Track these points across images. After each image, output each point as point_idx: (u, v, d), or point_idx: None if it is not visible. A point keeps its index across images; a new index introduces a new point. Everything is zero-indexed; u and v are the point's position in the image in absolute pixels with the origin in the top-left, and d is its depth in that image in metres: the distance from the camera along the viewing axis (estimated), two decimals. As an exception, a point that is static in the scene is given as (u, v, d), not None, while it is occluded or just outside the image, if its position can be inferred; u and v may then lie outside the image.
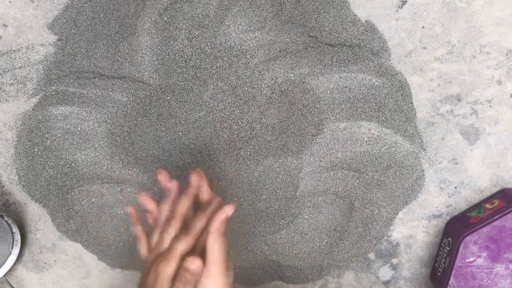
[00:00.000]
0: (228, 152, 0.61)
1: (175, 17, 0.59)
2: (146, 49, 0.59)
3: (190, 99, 0.61)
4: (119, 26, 0.59)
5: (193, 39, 0.59)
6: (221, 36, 0.59)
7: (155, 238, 0.50)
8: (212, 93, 0.60)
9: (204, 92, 0.60)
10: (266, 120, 0.61)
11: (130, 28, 0.59)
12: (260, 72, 0.60)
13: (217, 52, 0.59)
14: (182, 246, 0.47)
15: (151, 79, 0.60)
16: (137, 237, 0.52)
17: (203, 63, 0.60)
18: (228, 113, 0.61)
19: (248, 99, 0.60)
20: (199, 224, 0.49)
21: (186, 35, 0.59)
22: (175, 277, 0.46)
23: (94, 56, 0.60)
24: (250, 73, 0.60)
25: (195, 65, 0.60)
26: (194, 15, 0.58)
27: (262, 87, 0.60)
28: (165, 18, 0.59)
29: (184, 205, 0.50)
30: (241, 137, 0.61)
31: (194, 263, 0.46)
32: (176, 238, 0.48)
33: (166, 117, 0.61)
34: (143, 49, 0.59)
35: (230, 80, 0.60)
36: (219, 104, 0.61)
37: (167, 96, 0.61)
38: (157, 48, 0.60)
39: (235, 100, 0.61)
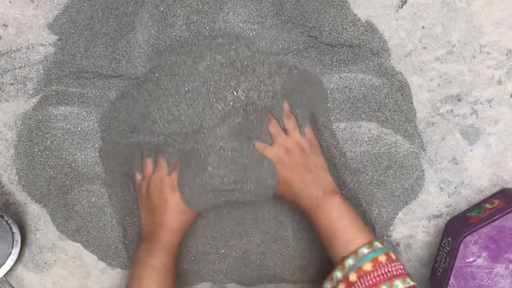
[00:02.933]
0: (222, 124, 0.59)
1: (172, 5, 0.58)
2: (143, 43, 0.59)
3: (183, 71, 0.59)
4: (117, 24, 0.59)
5: (191, 24, 0.58)
6: (220, 22, 0.58)
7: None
8: (208, 64, 0.58)
9: (199, 63, 0.58)
10: (266, 87, 0.59)
11: (128, 26, 0.59)
12: (261, 56, 0.59)
13: (217, 34, 0.58)
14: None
15: (143, 68, 0.59)
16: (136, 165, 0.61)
17: (200, 42, 0.58)
18: (223, 84, 0.59)
19: (247, 71, 0.59)
20: None
21: (184, 21, 0.58)
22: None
23: (93, 56, 0.60)
24: (251, 53, 0.59)
25: (193, 43, 0.58)
26: (192, 2, 0.58)
27: (263, 61, 0.59)
28: (162, 8, 0.58)
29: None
30: (237, 107, 0.59)
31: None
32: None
33: (154, 90, 0.59)
34: (140, 45, 0.59)
35: (229, 54, 0.58)
36: (214, 75, 0.59)
37: (155, 73, 0.59)
38: (153, 38, 0.59)
39: (232, 72, 0.59)
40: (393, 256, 0.51)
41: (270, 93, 0.59)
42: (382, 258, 0.49)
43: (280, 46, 0.59)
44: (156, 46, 0.59)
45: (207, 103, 0.59)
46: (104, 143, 0.62)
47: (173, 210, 0.58)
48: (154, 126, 0.59)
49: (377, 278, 0.48)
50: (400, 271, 0.49)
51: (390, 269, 0.49)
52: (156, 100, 0.59)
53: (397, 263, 0.50)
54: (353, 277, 0.49)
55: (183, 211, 0.59)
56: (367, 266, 0.49)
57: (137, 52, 0.59)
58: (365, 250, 0.50)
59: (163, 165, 0.59)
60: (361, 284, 0.48)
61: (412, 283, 0.49)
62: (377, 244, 0.51)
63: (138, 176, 0.61)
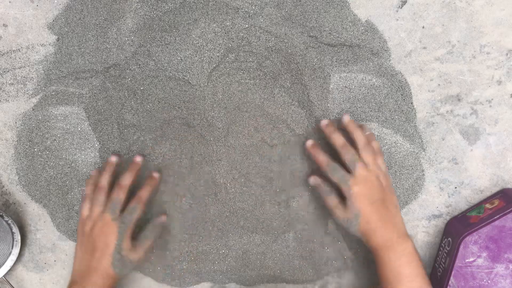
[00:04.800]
0: (217, 97, 0.58)
1: None
2: (133, 27, 0.59)
3: (174, 39, 0.57)
4: (107, 13, 0.59)
5: None
6: None
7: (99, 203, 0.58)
8: (202, 32, 0.57)
9: (193, 30, 0.57)
10: (266, 70, 0.58)
11: (118, 13, 0.59)
12: (258, 30, 0.58)
13: (213, 4, 0.57)
14: (138, 213, 0.58)
15: (131, 47, 0.58)
16: (86, 196, 0.59)
17: (196, 12, 0.57)
18: (218, 55, 0.57)
19: (243, 44, 0.58)
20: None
21: None
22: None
23: (86, 51, 0.60)
24: (248, 26, 0.58)
25: (186, 10, 0.57)
26: None
27: (260, 36, 0.58)
28: None
29: (128, 178, 0.58)
30: (236, 80, 0.58)
31: (163, 218, 0.60)
32: (127, 208, 0.57)
33: (145, 63, 0.58)
34: (130, 29, 0.59)
35: (224, 24, 0.57)
36: (208, 44, 0.57)
37: (147, 45, 0.58)
38: (143, 18, 0.58)
39: (227, 43, 0.58)
40: None
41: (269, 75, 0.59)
42: None
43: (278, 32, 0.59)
44: (147, 22, 0.58)
45: (202, 74, 0.58)
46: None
47: (112, 258, 0.56)
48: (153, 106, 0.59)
49: None
50: None
51: None
52: (150, 74, 0.58)
53: None
54: None
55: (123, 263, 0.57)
56: None
57: (127, 38, 0.59)
58: None
59: (114, 202, 0.57)
60: None
61: None
62: None
63: (85, 208, 0.59)
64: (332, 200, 0.56)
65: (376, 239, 0.54)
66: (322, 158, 0.57)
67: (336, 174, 0.55)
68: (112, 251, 0.56)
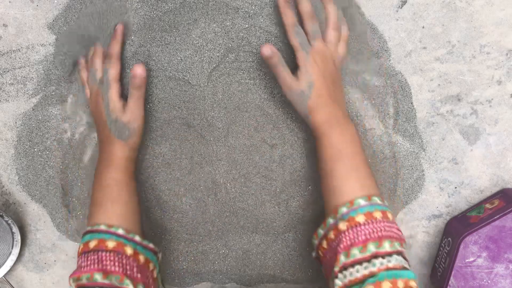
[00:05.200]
0: (217, 95, 0.59)
1: None
2: (133, 27, 0.59)
3: (174, 39, 0.57)
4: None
5: None
6: None
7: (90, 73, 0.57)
8: (202, 32, 0.57)
9: (193, 30, 0.57)
10: (266, 70, 0.58)
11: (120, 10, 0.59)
12: (258, 30, 0.58)
13: (213, 4, 0.57)
14: (113, 70, 0.55)
15: (132, 47, 0.59)
16: (81, 80, 0.60)
17: (195, 12, 0.57)
18: (218, 55, 0.58)
19: (243, 44, 0.58)
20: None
21: None
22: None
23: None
24: (248, 26, 0.58)
25: (187, 10, 0.57)
26: None
27: (260, 36, 0.58)
28: None
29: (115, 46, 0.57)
30: (237, 80, 0.58)
31: (139, 67, 0.53)
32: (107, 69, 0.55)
33: (146, 63, 0.58)
34: (130, 30, 0.59)
35: (224, 24, 0.57)
36: (208, 44, 0.58)
37: (147, 45, 0.58)
38: (144, 17, 0.58)
39: (227, 43, 0.58)
40: (390, 216, 0.47)
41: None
42: (378, 215, 0.46)
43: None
44: (147, 22, 0.58)
45: (202, 74, 0.58)
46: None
47: (107, 123, 0.55)
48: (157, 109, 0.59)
49: (368, 233, 0.45)
50: (391, 233, 0.46)
51: (382, 228, 0.46)
52: (152, 73, 0.59)
53: (392, 224, 0.47)
54: (343, 225, 0.46)
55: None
56: (360, 218, 0.46)
57: (127, 38, 0.59)
58: (362, 202, 0.47)
59: (91, 73, 0.57)
60: (350, 234, 0.46)
61: (399, 248, 0.45)
62: (376, 199, 0.48)
63: (87, 95, 0.60)
64: (284, 71, 0.54)
65: (324, 114, 0.53)
66: (291, 18, 0.54)
67: (299, 37, 0.53)
68: (104, 117, 0.55)
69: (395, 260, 0.44)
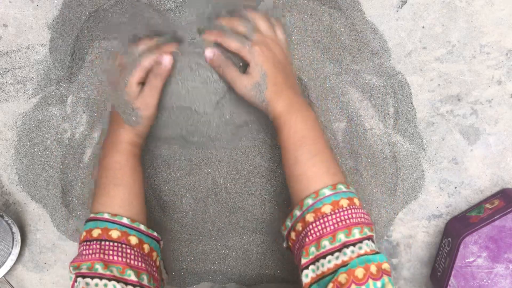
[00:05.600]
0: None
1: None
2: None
3: (182, 71, 0.56)
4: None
5: None
6: None
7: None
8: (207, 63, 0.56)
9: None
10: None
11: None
12: None
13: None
14: (148, 60, 0.53)
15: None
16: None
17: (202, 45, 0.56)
18: (223, 85, 0.57)
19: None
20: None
21: None
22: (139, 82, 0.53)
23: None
24: None
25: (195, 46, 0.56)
26: None
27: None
28: None
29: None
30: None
31: (168, 57, 0.53)
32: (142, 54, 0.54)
33: None
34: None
35: None
36: (214, 75, 0.57)
37: None
38: None
39: None
40: (356, 202, 0.47)
41: None
42: (344, 202, 0.46)
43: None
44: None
45: (208, 102, 0.58)
46: None
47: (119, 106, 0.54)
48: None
49: (335, 223, 0.45)
50: (359, 219, 0.46)
51: (350, 215, 0.45)
52: None
53: (358, 210, 0.46)
54: (309, 217, 0.46)
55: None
56: (326, 209, 0.46)
57: None
58: (327, 192, 0.46)
59: (130, 48, 0.55)
60: (318, 225, 0.45)
61: (368, 233, 0.45)
62: (341, 187, 0.47)
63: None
64: (233, 71, 0.53)
65: (283, 102, 0.52)
66: (214, 31, 0.54)
67: (234, 39, 0.52)
68: (118, 96, 0.54)
69: (366, 246, 0.44)
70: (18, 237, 0.63)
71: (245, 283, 0.67)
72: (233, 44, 0.53)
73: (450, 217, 0.63)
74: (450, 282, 0.57)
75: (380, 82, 0.60)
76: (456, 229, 0.59)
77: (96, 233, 0.49)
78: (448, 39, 0.59)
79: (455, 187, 0.62)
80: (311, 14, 0.59)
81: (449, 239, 0.60)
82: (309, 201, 0.47)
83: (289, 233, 0.50)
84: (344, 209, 0.46)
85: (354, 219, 0.45)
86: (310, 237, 0.45)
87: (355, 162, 0.62)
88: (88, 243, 0.49)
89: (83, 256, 0.48)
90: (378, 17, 0.59)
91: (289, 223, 0.50)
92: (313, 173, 0.49)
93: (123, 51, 0.57)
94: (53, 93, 0.62)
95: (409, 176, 0.62)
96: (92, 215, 0.51)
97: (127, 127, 0.54)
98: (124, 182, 0.52)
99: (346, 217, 0.45)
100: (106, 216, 0.50)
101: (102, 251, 0.48)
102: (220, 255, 0.65)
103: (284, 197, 0.63)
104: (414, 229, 0.64)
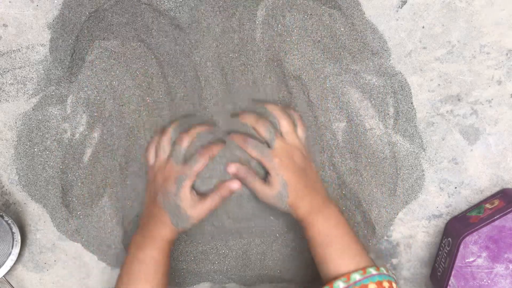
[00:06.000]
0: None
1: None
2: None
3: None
4: None
5: None
6: None
7: (166, 148, 0.58)
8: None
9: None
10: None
11: None
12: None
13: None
14: (201, 164, 0.55)
15: None
16: (152, 142, 0.60)
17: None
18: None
19: (248, 50, 0.59)
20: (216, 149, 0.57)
21: None
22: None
23: None
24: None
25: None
26: None
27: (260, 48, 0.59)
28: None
29: (199, 128, 0.58)
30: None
31: (237, 183, 0.57)
32: (191, 158, 0.56)
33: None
34: None
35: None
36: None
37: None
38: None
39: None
40: (385, 285, 0.49)
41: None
42: (372, 286, 0.48)
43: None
44: None
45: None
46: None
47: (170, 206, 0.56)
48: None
49: None
50: None
51: None
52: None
53: None
54: None
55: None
56: None
57: None
58: (357, 276, 0.49)
59: (176, 150, 0.57)
60: None
61: None
62: (371, 270, 0.50)
63: (150, 158, 0.59)
64: (255, 182, 0.56)
65: (305, 206, 0.55)
66: (239, 136, 0.57)
67: (256, 149, 0.56)
68: (171, 200, 0.55)
69: None
70: (18, 237, 0.63)
71: (245, 283, 0.67)
72: (254, 153, 0.56)
73: (450, 217, 0.63)
74: (450, 282, 0.57)
75: (380, 82, 0.60)
76: (456, 229, 0.59)
77: None
78: (448, 39, 0.59)
79: (455, 187, 0.62)
80: (311, 14, 0.59)
81: (449, 239, 0.60)
82: (340, 285, 0.49)
83: None
84: None
85: None
86: None
87: (355, 162, 0.62)
88: None
89: None
90: (378, 17, 0.59)
91: None
92: (343, 266, 0.51)
93: (164, 149, 0.58)
94: (53, 93, 0.62)
95: (409, 176, 0.62)
96: None
97: (171, 227, 0.56)
98: (156, 281, 0.54)
99: None
100: None
101: None
102: (220, 255, 0.65)
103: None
104: (414, 229, 0.64)
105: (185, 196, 0.55)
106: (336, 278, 0.49)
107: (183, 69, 0.60)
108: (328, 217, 0.54)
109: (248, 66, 0.60)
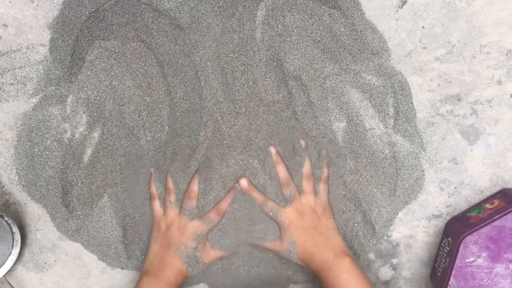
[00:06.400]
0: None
1: None
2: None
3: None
4: None
5: None
6: None
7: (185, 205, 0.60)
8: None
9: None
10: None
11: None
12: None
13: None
14: (214, 224, 0.60)
15: None
16: (153, 195, 0.62)
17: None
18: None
19: (248, 50, 0.59)
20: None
21: None
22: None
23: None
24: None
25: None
26: None
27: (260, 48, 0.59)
28: None
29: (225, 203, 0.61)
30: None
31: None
32: (205, 217, 0.60)
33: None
34: None
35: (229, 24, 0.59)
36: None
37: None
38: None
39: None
40: None
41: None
42: None
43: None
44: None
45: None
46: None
47: (188, 258, 0.59)
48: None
49: None
50: None
51: None
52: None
53: None
54: None
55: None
56: None
57: None
58: None
59: (188, 208, 0.60)
60: None
61: None
62: None
63: (158, 207, 0.62)
64: (269, 242, 0.61)
65: (315, 262, 0.58)
66: (256, 195, 0.60)
67: (269, 209, 0.59)
68: (189, 252, 0.59)
69: None
70: (18, 237, 0.63)
71: (246, 284, 0.67)
72: (266, 210, 0.60)
73: (450, 217, 0.63)
74: (450, 282, 0.57)
75: (380, 82, 0.60)
76: (456, 229, 0.59)
77: None
78: (448, 39, 0.59)
79: (455, 187, 0.62)
80: (311, 14, 0.59)
81: (449, 239, 0.60)
82: None
83: None
84: None
85: None
86: None
87: (355, 162, 0.62)
88: None
89: None
90: (378, 17, 0.59)
91: None
92: None
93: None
94: (53, 93, 0.62)
95: (409, 176, 0.62)
96: None
97: (187, 274, 0.60)
98: None
99: None
100: None
101: None
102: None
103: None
104: (414, 229, 0.64)
105: (203, 249, 0.60)
106: None
107: (183, 69, 0.60)
108: (338, 273, 0.56)
109: (248, 66, 0.60)
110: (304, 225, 0.58)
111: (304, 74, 0.60)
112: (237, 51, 0.60)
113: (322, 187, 0.61)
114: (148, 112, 0.62)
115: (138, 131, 0.62)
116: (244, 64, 0.60)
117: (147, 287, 0.57)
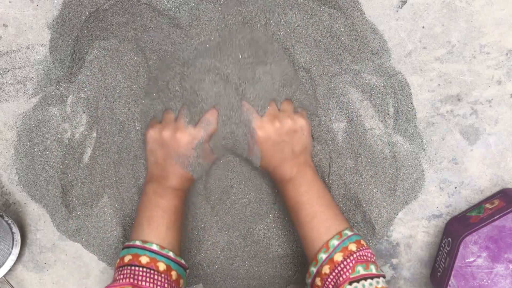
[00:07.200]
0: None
1: None
2: None
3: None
4: None
5: None
6: None
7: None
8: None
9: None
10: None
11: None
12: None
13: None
14: (213, 128, 0.57)
15: None
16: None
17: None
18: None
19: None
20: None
21: None
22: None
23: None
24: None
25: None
26: None
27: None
28: None
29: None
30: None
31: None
32: (201, 120, 0.57)
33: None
34: None
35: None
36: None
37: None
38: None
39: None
40: (363, 242, 0.52)
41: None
42: (353, 247, 0.51)
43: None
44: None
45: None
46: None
47: (191, 165, 0.58)
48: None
49: (347, 267, 0.49)
50: (364, 257, 0.50)
51: (358, 256, 0.50)
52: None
53: (366, 249, 0.51)
54: (326, 270, 0.50)
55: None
56: (338, 257, 0.50)
57: None
58: (335, 242, 0.51)
59: (185, 112, 0.58)
60: (335, 274, 0.50)
61: (374, 272, 0.49)
62: (346, 232, 0.52)
63: (154, 121, 0.60)
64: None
65: (276, 175, 0.58)
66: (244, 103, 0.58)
67: (246, 115, 0.57)
68: (192, 161, 0.57)
69: (382, 282, 0.49)
70: (18, 237, 0.63)
71: (246, 284, 0.67)
72: (244, 115, 0.57)
73: (450, 217, 0.63)
74: (450, 282, 0.57)
75: (380, 82, 0.60)
76: (456, 229, 0.59)
77: (127, 258, 0.51)
78: (448, 39, 0.59)
79: (455, 187, 0.62)
80: (311, 14, 0.59)
81: (449, 239, 0.60)
82: (323, 256, 0.51)
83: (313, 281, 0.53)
84: (354, 252, 0.50)
85: (366, 258, 0.51)
86: (330, 286, 0.49)
87: (355, 162, 0.62)
88: (121, 268, 0.51)
89: (116, 281, 0.50)
90: (378, 17, 0.59)
91: (308, 281, 0.53)
92: (316, 233, 0.53)
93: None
94: (53, 93, 0.62)
95: (409, 176, 0.62)
96: (126, 243, 0.54)
97: (192, 179, 0.59)
98: (175, 226, 0.56)
99: (356, 258, 0.50)
100: (137, 243, 0.52)
101: (132, 275, 0.50)
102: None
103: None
104: (414, 229, 0.64)
105: (204, 155, 0.58)
106: (318, 251, 0.52)
107: (166, 55, 0.60)
108: (298, 185, 0.56)
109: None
110: (276, 139, 0.56)
111: (314, 68, 0.60)
112: (242, 27, 0.59)
113: (301, 115, 0.59)
114: (135, 101, 0.61)
115: (128, 124, 0.62)
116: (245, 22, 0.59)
117: (153, 192, 0.57)
